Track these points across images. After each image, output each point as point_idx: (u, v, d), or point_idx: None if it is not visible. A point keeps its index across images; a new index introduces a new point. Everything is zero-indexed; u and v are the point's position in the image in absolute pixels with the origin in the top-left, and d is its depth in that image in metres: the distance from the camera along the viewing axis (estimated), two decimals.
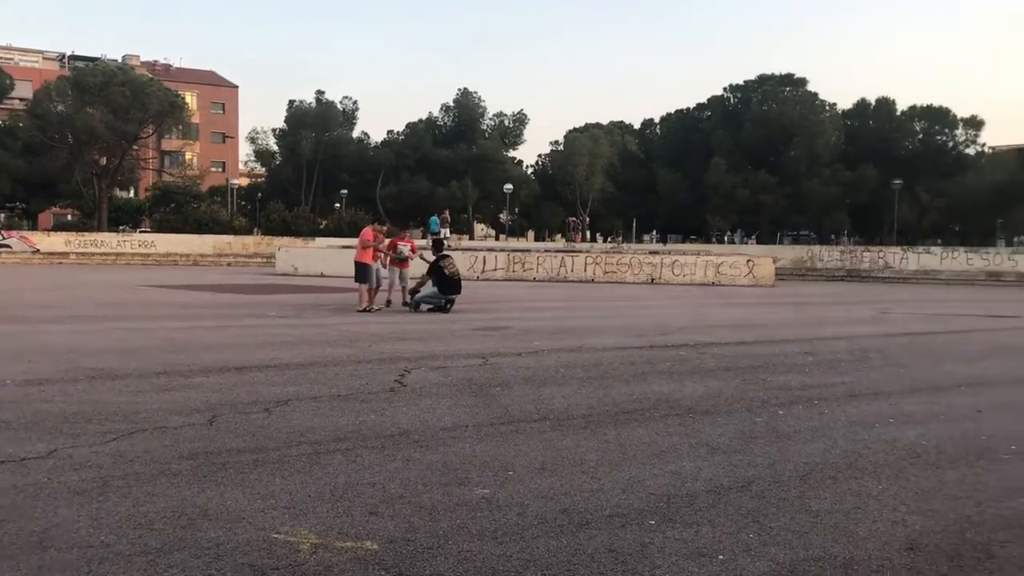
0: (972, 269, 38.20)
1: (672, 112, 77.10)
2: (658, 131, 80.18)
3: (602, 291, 27.84)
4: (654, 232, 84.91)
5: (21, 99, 66.07)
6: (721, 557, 3.97)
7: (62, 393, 7.48)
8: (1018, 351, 12.55)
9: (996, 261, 38.48)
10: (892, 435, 6.57)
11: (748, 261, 33.71)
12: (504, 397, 7.71)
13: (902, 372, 9.86)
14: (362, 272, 17.46)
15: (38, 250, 47.13)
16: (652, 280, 33.38)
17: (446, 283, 17.32)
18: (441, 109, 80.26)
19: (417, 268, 18.82)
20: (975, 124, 65.84)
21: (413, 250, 19.10)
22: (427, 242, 17.73)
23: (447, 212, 47.21)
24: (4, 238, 48.41)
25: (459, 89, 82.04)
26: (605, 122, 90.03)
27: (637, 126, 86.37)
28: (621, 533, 4.27)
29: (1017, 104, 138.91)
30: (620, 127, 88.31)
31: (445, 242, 21.23)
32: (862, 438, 6.44)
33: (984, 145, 67.65)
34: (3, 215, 69.81)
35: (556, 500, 4.75)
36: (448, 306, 17.25)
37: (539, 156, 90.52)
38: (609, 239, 77.27)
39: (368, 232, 18.00)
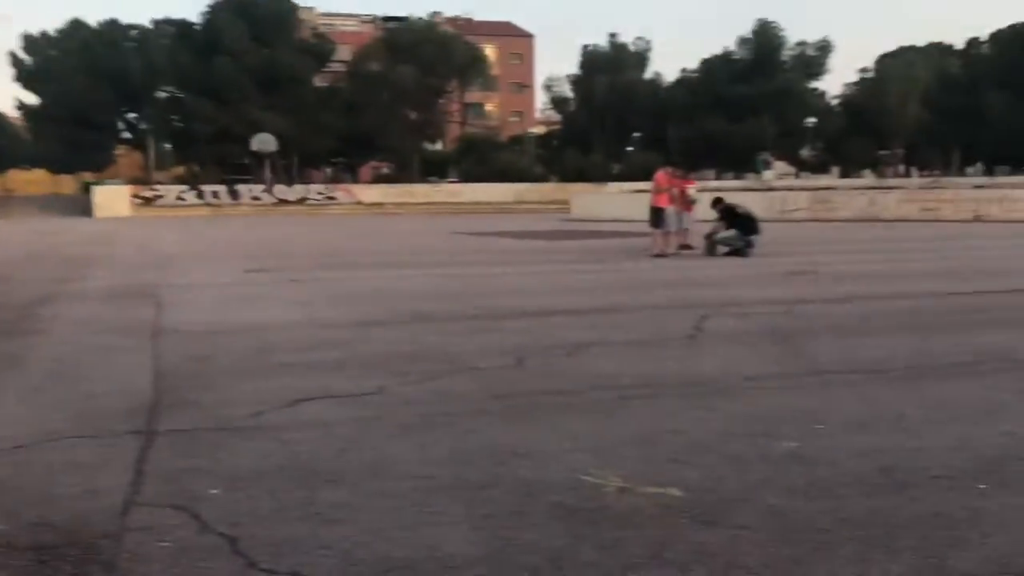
0: None
1: (1004, 28, 68.70)
2: (986, 51, 71.87)
3: (918, 230, 25.73)
4: (978, 165, 76.86)
5: (342, 62, 72.21)
6: None
7: (388, 334, 8.20)
8: None
9: None
10: None
11: None
12: (811, 346, 7.39)
13: None
14: (657, 216, 17.45)
15: (359, 202, 51.84)
16: (977, 217, 30.30)
17: (744, 223, 16.92)
18: (737, 42, 77.30)
19: (703, 211, 18.64)
20: None
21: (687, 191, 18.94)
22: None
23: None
24: (331, 191, 53.74)
25: (757, 19, 78.37)
26: (922, 43, 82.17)
27: (960, 46, 77.94)
28: (947, 496, 3.96)
29: None
30: (939, 49, 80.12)
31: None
32: None
33: None
34: (329, 170, 77.43)
35: (872, 457, 4.50)
36: (748, 249, 16.81)
37: (846, 86, 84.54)
38: (926, 173, 71.10)
39: (661, 176, 17.93)
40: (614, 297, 10.76)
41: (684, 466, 4.39)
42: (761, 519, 3.73)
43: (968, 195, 31.50)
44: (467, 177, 62.16)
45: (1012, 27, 67.19)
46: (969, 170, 75.73)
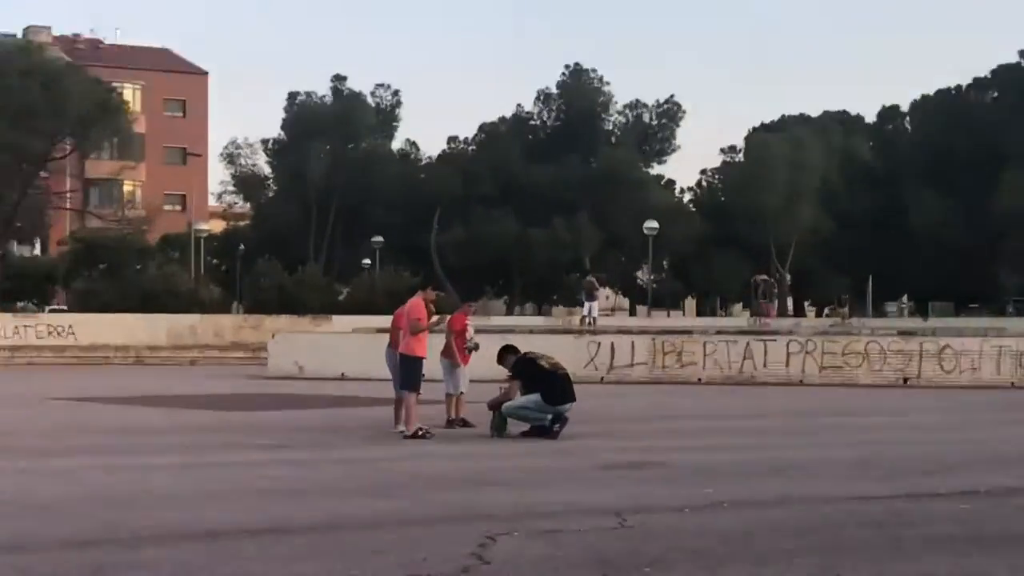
0: None
1: (930, 94, 76.53)
2: (907, 126, 79.60)
3: (820, 399, 27.41)
4: (904, 298, 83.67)
5: None
6: None
7: None
8: None
9: None
10: None
11: None
12: None
13: None
14: (410, 371, 17.66)
15: None
16: (905, 380, 32.80)
17: (552, 386, 17.36)
18: (537, 99, 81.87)
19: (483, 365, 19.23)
20: None
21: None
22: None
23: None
24: None
25: (566, 66, 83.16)
26: (815, 113, 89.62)
27: (870, 119, 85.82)
28: None
29: None
30: (841, 120, 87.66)
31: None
32: None
33: None
34: None
35: None
36: (556, 427, 17.24)
37: (703, 174, 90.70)
38: (828, 310, 76.45)
39: (418, 305, 18.23)
40: (343, 506, 10.68)
41: None
42: None
43: (892, 345, 33.93)
44: (85, 302, 60.63)
45: (940, 93, 74.81)
46: (890, 307, 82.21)
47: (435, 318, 18.49)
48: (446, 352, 19.00)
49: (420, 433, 17.22)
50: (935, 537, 9.34)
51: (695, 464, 14.16)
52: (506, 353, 18.31)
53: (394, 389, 18.50)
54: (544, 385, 17.40)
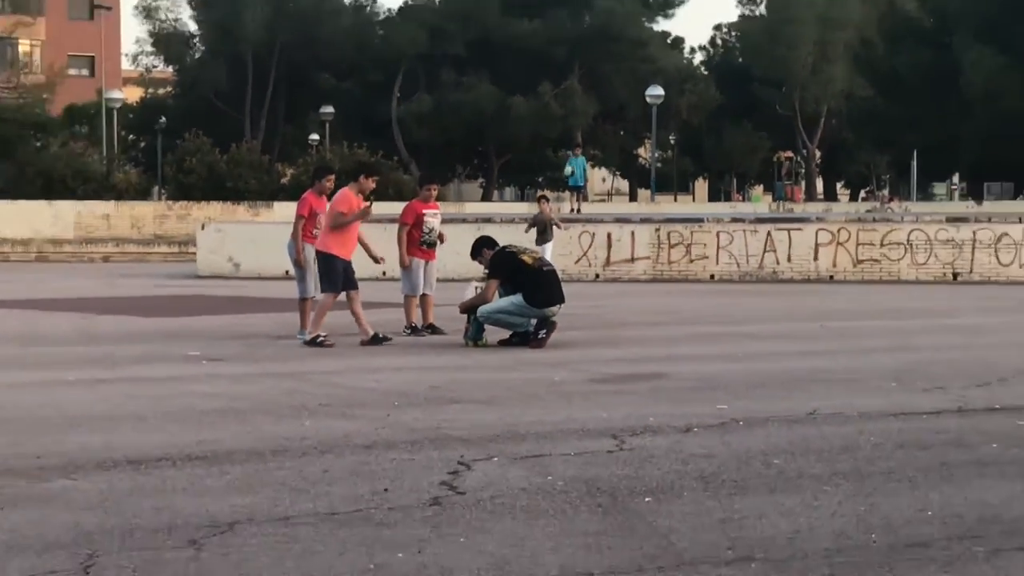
0: None
1: None
2: None
3: (851, 298, 27.54)
4: (955, 179, 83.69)
5: None
6: None
7: None
8: None
9: None
10: None
11: None
12: (663, 518, 7.69)
13: None
14: (326, 270, 17.81)
15: None
16: (954, 275, 32.98)
17: (536, 285, 17.41)
18: None
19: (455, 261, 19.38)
20: None
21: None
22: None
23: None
24: None
25: None
26: None
27: None
28: None
29: None
30: None
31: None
32: None
33: None
34: None
35: None
36: (543, 333, 17.30)
37: (717, 30, 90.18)
38: (865, 194, 76.40)
39: (347, 196, 18.24)
40: (284, 427, 10.74)
41: None
42: None
43: (939, 234, 33.96)
44: None
45: None
46: (938, 189, 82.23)
47: (364, 204, 18.43)
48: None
49: (320, 340, 17.40)
50: (988, 460, 9.42)
51: (704, 376, 14.24)
52: (481, 247, 18.33)
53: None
54: (527, 284, 17.41)
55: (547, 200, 36.52)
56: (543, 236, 30.47)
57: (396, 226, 19.85)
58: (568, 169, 45.29)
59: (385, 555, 6.84)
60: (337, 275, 17.85)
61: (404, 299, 19.54)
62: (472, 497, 8.17)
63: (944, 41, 73.24)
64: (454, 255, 21.71)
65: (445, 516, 7.68)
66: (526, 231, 30.43)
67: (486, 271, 18.00)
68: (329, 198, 18.95)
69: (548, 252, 28.08)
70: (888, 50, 77.49)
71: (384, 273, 22.57)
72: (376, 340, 17.54)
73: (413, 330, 18.95)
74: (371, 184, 18.94)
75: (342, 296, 17.94)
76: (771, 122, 79.75)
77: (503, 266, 17.64)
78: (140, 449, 9.75)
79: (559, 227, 31.94)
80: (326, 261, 17.92)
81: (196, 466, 9.14)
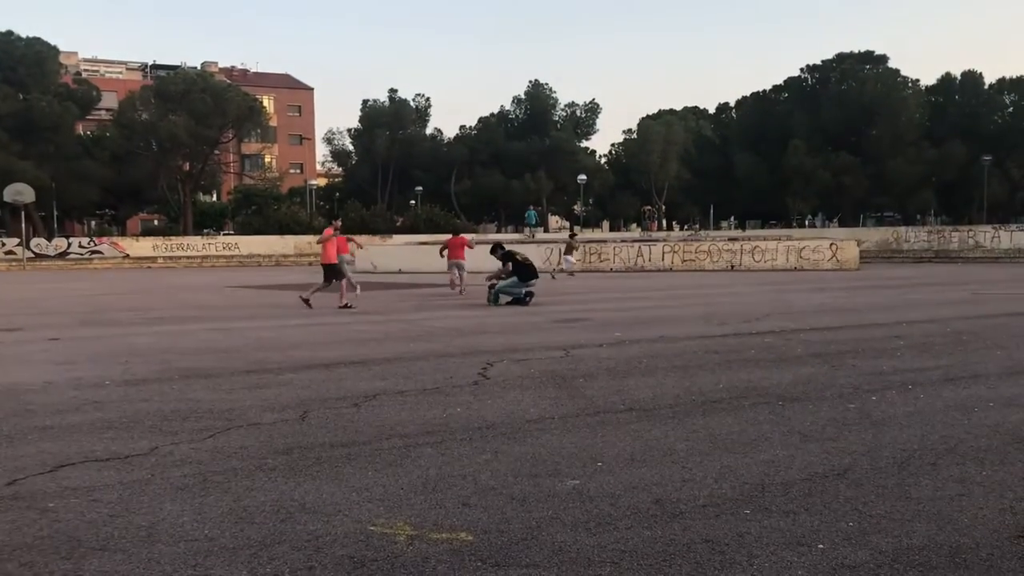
0: None
1: (748, 95, 75.58)
2: (734, 115, 78.75)
3: (681, 279, 27.56)
4: (732, 219, 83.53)
5: (108, 110, 68.35)
6: (821, 546, 3.90)
7: (159, 393, 7.73)
8: None
9: None
10: (994, 419, 6.34)
11: (831, 244, 32.99)
12: (588, 388, 7.70)
13: (1000, 354, 9.52)
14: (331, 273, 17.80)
15: (127, 255, 48.81)
16: (732, 267, 32.95)
17: (523, 270, 17.43)
18: (513, 102, 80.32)
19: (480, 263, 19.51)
20: None
21: (468, 246, 21.10)
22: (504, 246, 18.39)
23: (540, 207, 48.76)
24: (96, 244, 50.29)
25: (530, 81, 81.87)
26: (679, 108, 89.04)
27: (712, 111, 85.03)
28: (716, 523, 4.22)
29: None
30: (694, 112, 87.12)
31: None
32: (961, 423, 6.24)
33: None
34: (94, 222, 72.58)
35: (647, 491, 4.73)
36: (527, 298, 17.31)
37: (612, 145, 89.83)
38: (686, 227, 76.35)
39: (328, 231, 18.02)
40: (401, 347, 10.72)
41: (473, 510, 4.41)
42: (548, 557, 3.81)
43: (724, 246, 34.08)
44: (244, 229, 60.21)
45: (755, 94, 73.91)
46: (724, 224, 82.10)
47: (327, 232, 18.10)
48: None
49: (347, 305, 17.18)
50: (750, 358, 9.43)
51: (608, 319, 14.25)
52: (497, 248, 18.41)
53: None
54: (519, 271, 17.46)
55: (575, 235, 37.68)
56: (569, 252, 32.20)
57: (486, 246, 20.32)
58: (528, 216, 48.57)
59: (451, 410, 6.85)
60: (333, 271, 17.89)
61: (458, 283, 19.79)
62: (494, 381, 8.17)
63: (726, 150, 73.00)
64: (477, 257, 21.66)
65: (480, 390, 7.70)
66: (564, 253, 32.36)
67: (501, 263, 17.91)
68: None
69: (571, 261, 31.37)
70: (697, 155, 77.26)
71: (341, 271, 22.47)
72: (346, 308, 17.06)
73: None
74: (337, 223, 18.51)
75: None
76: (639, 191, 79.46)
77: (507, 258, 17.69)
78: (328, 358, 9.76)
79: (576, 248, 33.66)
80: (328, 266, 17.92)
81: (357, 367, 9.15)
